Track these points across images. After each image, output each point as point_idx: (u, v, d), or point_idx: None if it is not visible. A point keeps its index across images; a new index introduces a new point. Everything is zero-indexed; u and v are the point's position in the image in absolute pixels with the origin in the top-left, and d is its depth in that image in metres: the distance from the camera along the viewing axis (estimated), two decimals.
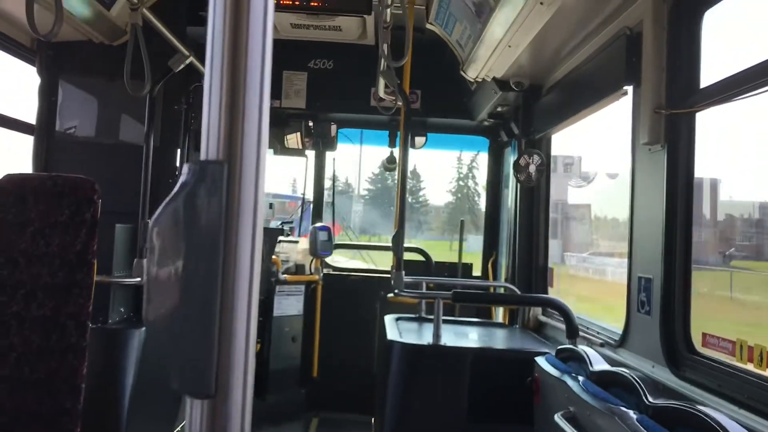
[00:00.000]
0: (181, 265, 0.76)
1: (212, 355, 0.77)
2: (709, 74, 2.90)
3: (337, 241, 7.09)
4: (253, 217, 0.77)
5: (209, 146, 0.78)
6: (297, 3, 4.76)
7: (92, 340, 2.59)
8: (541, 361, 3.50)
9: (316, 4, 4.78)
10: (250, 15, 0.79)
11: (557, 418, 2.83)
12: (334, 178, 7.37)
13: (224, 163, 0.78)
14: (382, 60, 4.02)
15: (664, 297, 2.97)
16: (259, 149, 0.79)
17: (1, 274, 2.52)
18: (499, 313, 5.99)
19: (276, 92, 6.16)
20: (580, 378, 2.93)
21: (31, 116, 5.04)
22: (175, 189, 0.78)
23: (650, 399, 2.36)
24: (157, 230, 0.78)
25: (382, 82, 5.04)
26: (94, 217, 2.58)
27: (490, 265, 6.60)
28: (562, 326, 4.01)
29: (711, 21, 2.94)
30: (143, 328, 4.38)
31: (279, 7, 5.14)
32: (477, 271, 6.84)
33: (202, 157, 0.79)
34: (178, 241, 0.77)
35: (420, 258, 6.81)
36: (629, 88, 3.39)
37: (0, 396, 2.48)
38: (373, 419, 5.58)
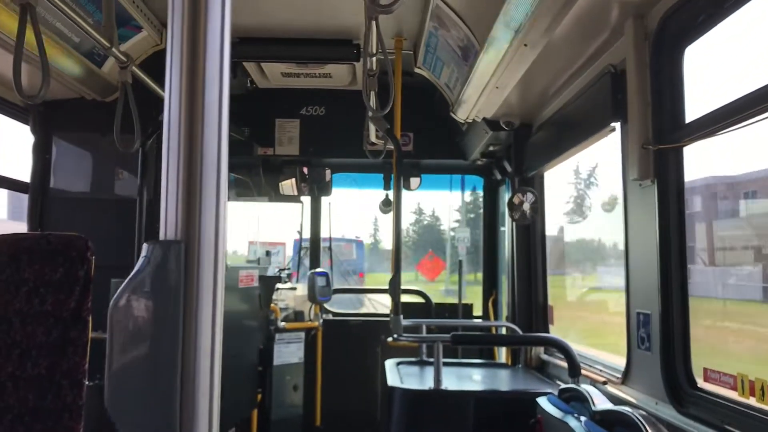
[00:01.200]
0: (143, 345, 0.76)
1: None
2: (701, 105, 2.92)
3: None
4: (212, 295, 0.76)
5: (167, 226, 0.78)
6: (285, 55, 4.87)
7: (89, 397, 2.56)
8: (543, 402, 3.45)
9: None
10: (205, 100, 0.80)
11: None
12: (330, 223, 7.37)
13: (181, 243, 0.78)
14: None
15: (663, 332, 2.95)
16: (217, 227, 0.79)
17: None
18: (502, 353, 5.93)
19: (269, 140, 6.20)
20: (583, 418, 2.88)
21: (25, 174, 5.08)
22: (135, 268, 0.78)
23: None
24: (117, 310, 0.78)
25: (372, 128, 5.07)
26: (87, 274, 2.56)
27: (490, 304, 6.56)
28: (565, 364, 3.97)
29: (694, 55, 2.98)
30: None
31: (270, 58, 5.22)
32: (478, 311, 6.80)
33: (161, 237, 0.79)
34: (138, 321, 0.77)
35: (420, 300, 6.78)
36: (617, 125, 3.42)
37: None
38: None
